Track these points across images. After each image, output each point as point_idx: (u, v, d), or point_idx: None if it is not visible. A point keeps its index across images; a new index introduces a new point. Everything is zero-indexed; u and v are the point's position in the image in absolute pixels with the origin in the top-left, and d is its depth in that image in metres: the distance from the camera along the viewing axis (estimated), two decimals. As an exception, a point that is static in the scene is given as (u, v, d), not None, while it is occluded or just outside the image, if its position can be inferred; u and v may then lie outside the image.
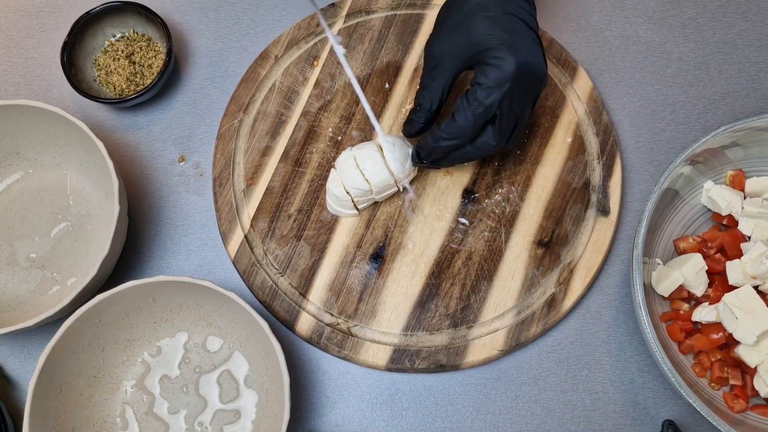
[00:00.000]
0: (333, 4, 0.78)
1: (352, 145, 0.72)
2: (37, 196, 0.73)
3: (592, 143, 0.74)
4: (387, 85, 0.76)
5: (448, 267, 0.70)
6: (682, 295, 0.67)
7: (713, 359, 0.66)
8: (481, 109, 0.60)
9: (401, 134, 0.68)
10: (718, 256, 0.68)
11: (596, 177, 0.73)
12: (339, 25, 0.78)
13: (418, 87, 0.66)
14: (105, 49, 0.77)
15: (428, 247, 0.70)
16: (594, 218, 0.71)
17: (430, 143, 0.64)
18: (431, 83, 0.64)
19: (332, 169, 0.69)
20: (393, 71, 0.76)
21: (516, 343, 0.68)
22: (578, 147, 0.74)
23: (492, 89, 0.60)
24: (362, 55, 0.77)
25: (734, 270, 0.65)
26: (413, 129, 0.66)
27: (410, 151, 0.67)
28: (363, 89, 0.76)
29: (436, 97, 0.64)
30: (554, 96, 0.75)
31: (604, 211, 0.72)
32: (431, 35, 0.65)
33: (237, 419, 0.66)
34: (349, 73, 0.64)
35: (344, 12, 0.78)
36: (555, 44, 0.77)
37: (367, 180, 0.66)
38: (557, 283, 0.69)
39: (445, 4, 0.65)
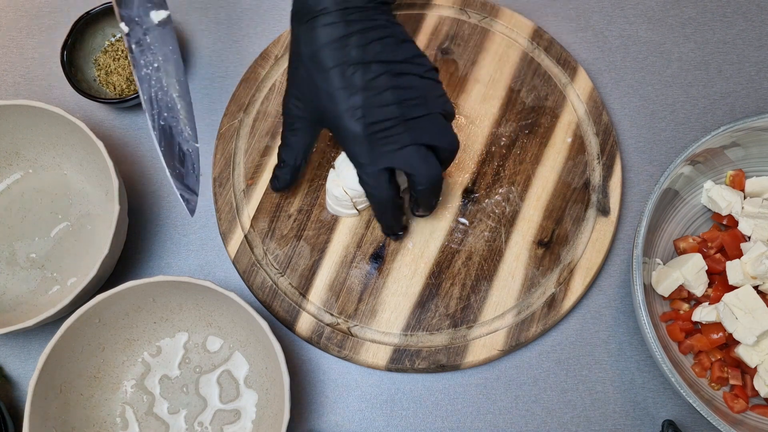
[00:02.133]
0: (333, 4, 0.78)
1: None
2: (37, 196, 0.73)
3: (592, 143, 0.74)
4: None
5: (448, 267, 0.70)
6: (682, 295, 0.67)
7: (713, 359, 0.66)
8: (364, 175, 0.58)
9: None
10: (718, 256, 0.68)
11: (596, 177, 0.73)
12: (339, 25, 0.78)
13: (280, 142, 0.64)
14: (105, 49, 0.77)
15: (428, 247, 0.70)
16: (594, 218, 0.71)
17: (381, 224, 0.65)
18: (292, 140, 0.62)
19: (331, 170, 0.69)
20: (393, 71, 0.76)
21: (516, 343, 0.68)
22: (578, 147, 0.74)
23: (359, 159, 0.57)
24: (362, 55, 0.77)
25: (734, 270, 0.65)
26: (279, 185, 0.66)
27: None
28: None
29: (299, 154, 0.63)
30: (554, 96, 0.75)
31: (604, 211, 0.72)
32: (285, 92, 0.61)
33: (237, 419, 0.66)
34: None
35: (344, 12, 0.78)
36: (555, 44, 0.77)
37: None
38: (557, 283, 0.69)
39: (290, 46, 0.60)
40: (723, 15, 0.80)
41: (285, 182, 0.66)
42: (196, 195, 0.58)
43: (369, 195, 0.61)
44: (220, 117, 0.76)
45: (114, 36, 0.78)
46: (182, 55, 0.79)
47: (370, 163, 0.58)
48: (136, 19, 0.55)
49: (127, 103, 0.74)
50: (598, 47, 0.79)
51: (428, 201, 0.64)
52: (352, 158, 0.59)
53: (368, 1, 0.57)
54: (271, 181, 0.67)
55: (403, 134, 0.57)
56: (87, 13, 0.74)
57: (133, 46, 0.54)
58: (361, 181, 0.60)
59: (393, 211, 0.63)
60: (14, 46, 0.80)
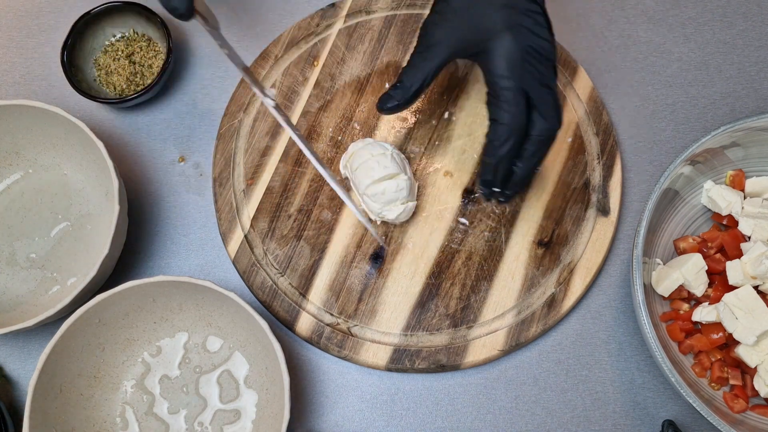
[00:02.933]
0: (333, 4, 0.78)
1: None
2: (37, 196, 0.73)
3: (592, 143, 0.74)
4: (387, 85, 0.76)
5: (448, 267, 0.70)
6: (682, 295, 0.67)
7: (713, 359, 0.66)
8: (510, 95, 0.58)
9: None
10: (718, 256, 0.68)
11: (596, 177, 0.73)
12: (339, 25, 0.78)
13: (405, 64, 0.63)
14: (105, 49, 0.77)
15: (428, 247, 0.70)
16: (594, 218, 0.71)
17: (491, 159, 0.60)
18: (420, 63, 0.61)
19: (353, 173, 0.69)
20: (393, 71, 0.76)
21: (516, 343, 0.68)
22: (578, 147, 0.74)
23: (508, 72, 0.58)
24: (362, 56, 0.77)
25: (734, 270, 0.65)
26: (386, 104, 0.63)
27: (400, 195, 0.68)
28: (363, 89, 0.76)
29: (420, 78, 0.61)
30: (554, 96, 0.75)
31: (604, 211, 0.72)
32: (430, 15, 0.62)
33: (237, 419, 0.66)
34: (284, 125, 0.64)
35: (344, 12, 0.78)
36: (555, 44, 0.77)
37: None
38: (557, 283, 0.69)
39: None
40: (723, 15, 0.80)
41: (393, 104, 0.62)
42: None
43: (499, 117, 0.59)
44: (220, 117, 0.76)
45: (114, 36, 0.78)
46: (182, 54, 0.79)
47: (513, 78, 0.58)
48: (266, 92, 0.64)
49: (127, 103, 0.74)
50: (598, 47, 0.79)
51: (536, 155, 0.61)
52: (497, 76, 0.59)
53: None
54: (380, 99, 0.63)
55: (549, 74, 0.60)
56: (87, 12, 0.74)
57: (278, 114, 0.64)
58: (497, 100, 0.59)
59: (514, 143, 0.60)
60: (14, 46, 0.80)
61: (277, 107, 0.64)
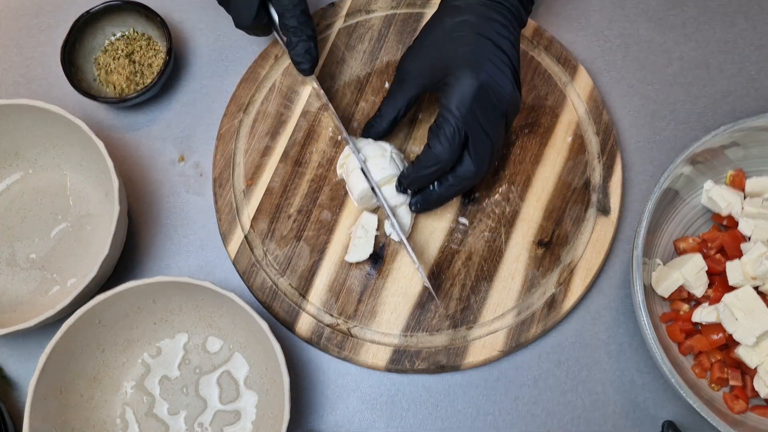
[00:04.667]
0: (333, 4, 0.78)
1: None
2: (37, 196, 0.73)
3: (593, 143, 0.74)
4: (387, 85, 0.76)
5: (448, 267, 0.70)
6: (682, 295, 0.67)
7: (713, 360, 0.66)
8: (450, 130, 0.61)
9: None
10: (718, 256, 0.68)
11: (596, 177, 0.73)
12: (339, 24, 0.78)
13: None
14: (105, 48, 0.77)
15: (428, 248, 0.70)
16: (594, 218, 0.71)
17: (411, 173, 0.64)
18: (396, 94, 0.68)
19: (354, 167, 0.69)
20: (393, 70, 0.76)
21: (516, 344, 0.68)
22: (578, 147, 0.74)
23: (455, 110, 0.61)
24: (362, 55, 0.77)
25: (734, 270, 0.65)
26: (369, 132, 0.70)
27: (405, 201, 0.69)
28: (363, 89, 0.76)
29: (395, 108, 0.68)
30: (554, 95, 0.75)
31: (604, 211, 0.72)
32: (406, 50, 0.68)
33: (237, 420, 0.66)
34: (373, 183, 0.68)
35: (344, 11, 0.78)
36: (555, 43, 0.77)
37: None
38: (557, 284, 0.69)
39: (426, 23, 0.67)
40: (724, 14, 0.80)
41: (375, 131, 0.69)
42: None
43: (432, 145, 0.62)
44: (220, 117, 0.76)
45: (114, 35, 0.78)
46: (182, 54, 0.79)
47: (457, 117, 0.61)
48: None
49: (127, 103, 0.73)
50: (599, 46, 0.79)
51: (453, 188, 0.65)
52: (444, 109, 0.62)
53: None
54: (365, 126, 0.71)
55: (495, 123, 0.63)
56: (87, 12, 0.74)
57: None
58: (438, 130, 0.62)
59: (435, 171, 0.63)
60: (14, 46, 0.80)
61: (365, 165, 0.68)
